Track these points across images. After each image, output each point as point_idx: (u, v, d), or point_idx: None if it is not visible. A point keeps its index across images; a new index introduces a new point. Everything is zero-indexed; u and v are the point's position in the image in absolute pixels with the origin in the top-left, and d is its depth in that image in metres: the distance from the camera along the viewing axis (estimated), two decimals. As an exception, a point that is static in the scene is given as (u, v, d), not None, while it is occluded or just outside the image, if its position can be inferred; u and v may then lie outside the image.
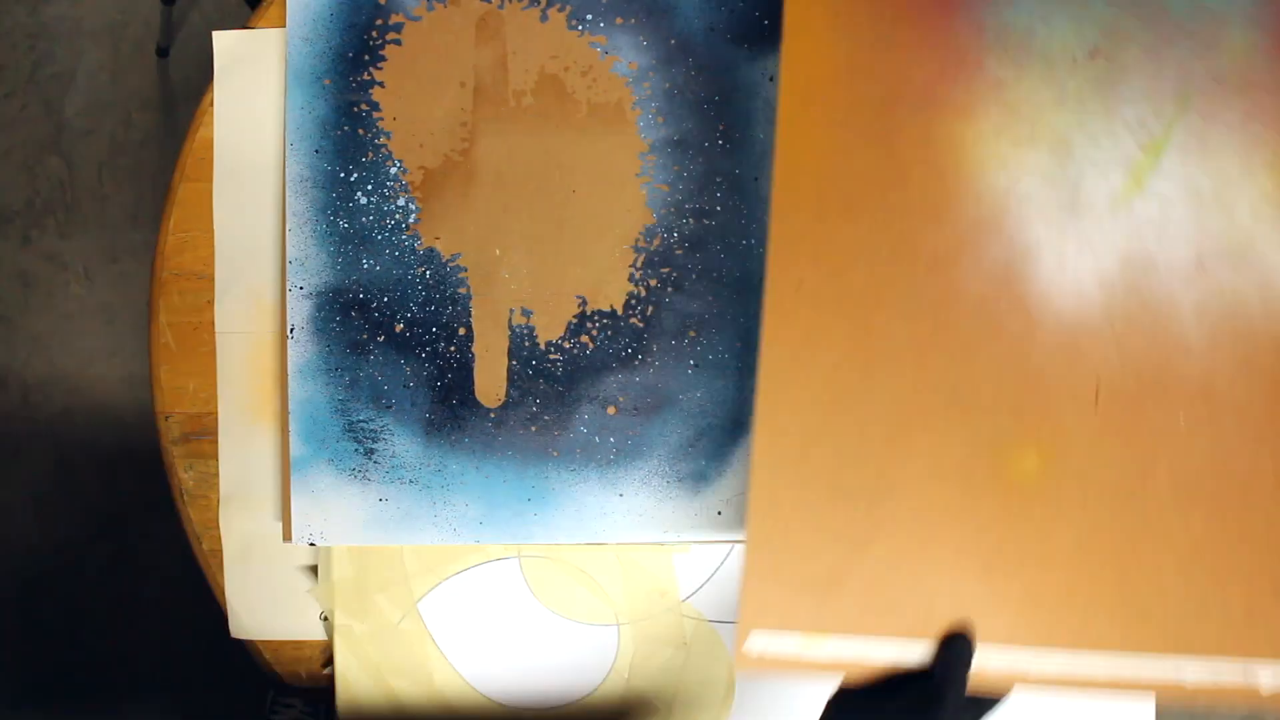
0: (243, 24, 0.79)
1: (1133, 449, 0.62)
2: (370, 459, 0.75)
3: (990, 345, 0.62)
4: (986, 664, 0.61)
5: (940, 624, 0.61)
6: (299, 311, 0.75)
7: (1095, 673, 0.62)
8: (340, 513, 0.75)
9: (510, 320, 0.75)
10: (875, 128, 0.63)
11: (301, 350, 0.75)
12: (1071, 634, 0.62)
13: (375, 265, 0.75)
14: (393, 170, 0.75)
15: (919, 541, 0.61)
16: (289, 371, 0.75)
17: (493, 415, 0.75)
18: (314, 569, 0.77)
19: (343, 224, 0.75)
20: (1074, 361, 0.62)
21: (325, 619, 0.77)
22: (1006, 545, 0.61)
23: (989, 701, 0.62)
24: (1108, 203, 0.63)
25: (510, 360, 0.75)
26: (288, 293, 0.75)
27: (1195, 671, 0.62)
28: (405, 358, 0.75)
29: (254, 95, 0.77)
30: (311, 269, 0.75)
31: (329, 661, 0.77)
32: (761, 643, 0.62)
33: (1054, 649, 0.62)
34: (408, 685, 0.76)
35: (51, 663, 1.47)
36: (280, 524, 0.77)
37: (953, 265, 0.62)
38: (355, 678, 0.76)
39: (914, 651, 0.61)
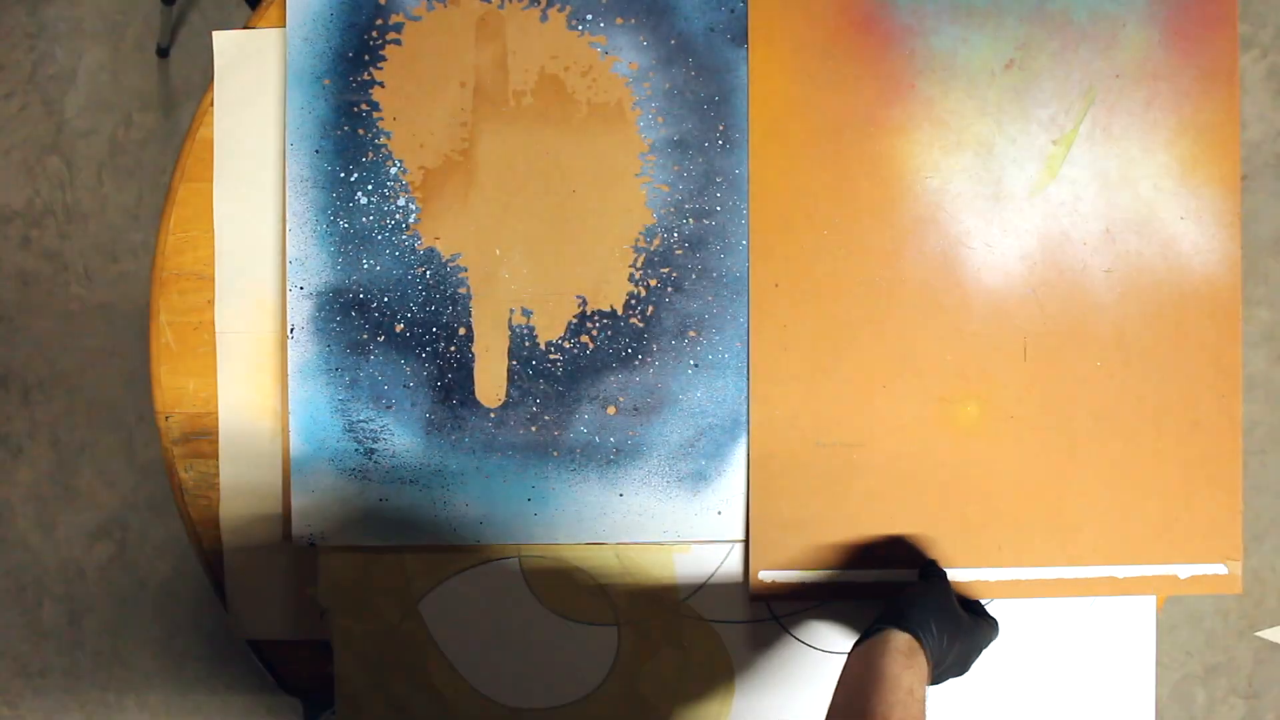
0: (243, 24, 0.79)
1: (1058, 392, 0.74)
2: (370, 459, 0.75)
3: (934, 318, 0.74)
4: (951, 581, 0.73)
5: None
6: (299, 311, 0.75)
7: (1041, 581, 0.75)
8: (340, 513, 0.75)
9: (510, 320, 0.75)
10: (828, 150, 0.74)
11: (302, 350, 0.75)
12: (1018, 552, 0.74)
13: (375, 265, 0.75)
14: (393, 170, 0.75)
15: (886, 485, 0.74)
16: (289, 371, 0.75)
17: (493, 415, 0.75)
18: (314, 569, 0.77)
19: (343, 224, 0.75)
20: (1004, 325, 0.74)
21: (325, 619, 0.77)
22: (958, 482, 0.74)
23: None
24: (1026, 191, 0.74)
25: (510, 360, 0.75)
26: (288, 292, 0.75)
27: (1125, 574, 0.74)
28: (405, 358, 0.75)
29: (254, 95, 0.77)
30: (312, 269, 0.75)
31: (329, 661, 0.77)
32: (769, 577, 0.74)
33: (1004, 566, 0.74)
34: (408, 685, 0.76)
35: (52, 663, 1.47)
36: (280, 524, 0.77)
37: (899, 256, 0.74)
38: (355, 678, 0.76)
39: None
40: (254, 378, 0.77)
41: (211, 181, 0.77)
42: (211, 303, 0.77)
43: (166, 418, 0.78)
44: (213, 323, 0.77)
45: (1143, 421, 0.74)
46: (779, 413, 0.74)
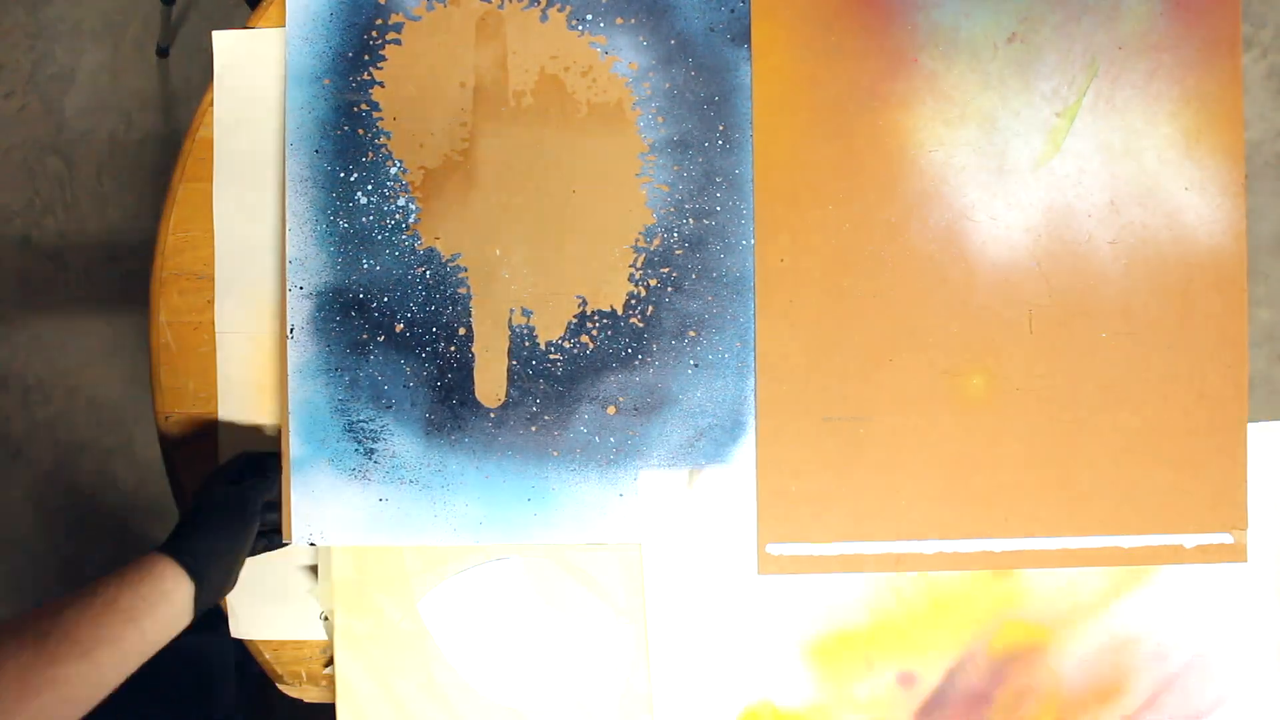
0: (243, 24, 0.79)
1: (1064, 364, 0.74)
2: (370, 459, 0.75)
3: (939, 292, 0.74)
4: (957, 552, 0.75)
5: (914, 525, 0.74)
6: (299, 311, 0.75)
7: (1047, 552, 0.75)
8: (340, 513, 0.75)
9: (510, 320, 0.75)
10: (832, 125, 0.74)
11: (301, 350, 0.75)
12: (1024, 522, 0.74)
13: (375, 265, 0.75)
14: (393, 170, 0.75)
15: (893, 457, 0.74)
16: (289, 371, 0.75)
17: (493, 415, 0.75)
18: (314, 569, 0.77)
19: (343, 224, 0.75)
20: (1009, 298, 0.74)
21: (325, 619, 0.77)
22: (964, 454, 0.74)
23: None
24: (1030, 164, 0.75)
25: (510, 360, 0.75)
26: (288, 293, 0.75)
27: (1131, 544, 0.74)
28: (405, 358, 0.75)
29: (254, 95, 0.77)
30: (311, 269, 0.75)
31: (329, 661, 0.77)
32: (777, 550, 0.74)
33: (1010, 537, 0.74)
34: (408, 685, 0.76)
35: (51, 663, 1.47)
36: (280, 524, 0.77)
37: (904, 231, 0.74)
38: (355, 678, 0.76)
39: (896, 548, 0.75)
40: (254, 378, 0.77)
41: (211, 181, 0.77)
42: (211, 303, 0.77)
43: (166, 418, 0.78)
44: (213, 323, 0.77)
45: (1148, 392, 0.74)
46: (785, 387, 0.74)
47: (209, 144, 0.78)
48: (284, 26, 0.76)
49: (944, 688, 0.76)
